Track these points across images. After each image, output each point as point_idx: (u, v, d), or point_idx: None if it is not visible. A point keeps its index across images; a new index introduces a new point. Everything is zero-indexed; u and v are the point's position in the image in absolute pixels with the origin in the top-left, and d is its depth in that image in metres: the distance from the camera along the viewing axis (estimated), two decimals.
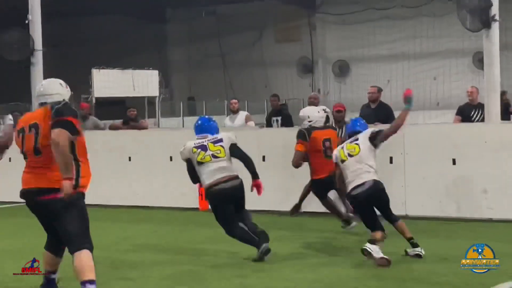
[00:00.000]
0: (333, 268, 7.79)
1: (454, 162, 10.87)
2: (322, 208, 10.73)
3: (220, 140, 8.58)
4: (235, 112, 14.31)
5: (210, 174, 8.42)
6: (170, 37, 32.70)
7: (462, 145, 10.91)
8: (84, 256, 5.87)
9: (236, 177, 8.53)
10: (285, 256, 8.54)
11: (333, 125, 10.78)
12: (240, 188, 8.50)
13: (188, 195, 12.52)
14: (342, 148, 8.38)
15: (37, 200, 5.97)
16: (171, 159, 12.53)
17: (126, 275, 7.68)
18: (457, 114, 12.58)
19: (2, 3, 23.11)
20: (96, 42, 29.67)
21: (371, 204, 8.19)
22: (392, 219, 8.27)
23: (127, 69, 21.47)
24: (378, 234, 7.93)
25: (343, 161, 8.30)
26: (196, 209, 12.13)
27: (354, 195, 8.15)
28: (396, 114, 12.24)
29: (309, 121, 9.83)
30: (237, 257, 8.56)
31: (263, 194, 11.58)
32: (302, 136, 9.76)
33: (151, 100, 22.93)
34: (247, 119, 14.08)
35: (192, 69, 31.76)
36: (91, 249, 5.94)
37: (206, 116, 9.39)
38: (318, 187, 9.95)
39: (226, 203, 8.43)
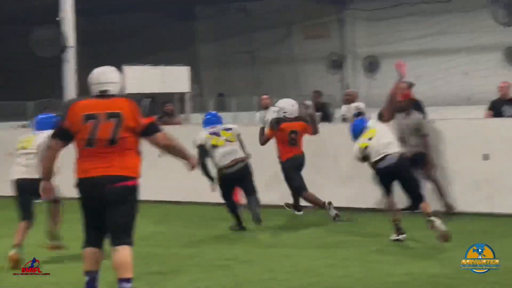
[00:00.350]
0: (364, 263, 7.78)
1: (485, 157, 10.81)
2: (358, 204, 10.78)
3: (230, 129, 10.31)
4: (266, 108, 14.31)
5: (222, 157, 10.01)
6: (200, 33, 32.82)
7: (494, 140, 10.84)
8: (126, 252, 5.88)
9: (243, 159, 10.13)
10: (315, 251, 8.57)
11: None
12: (245, 169, 10.13)
13: (218, 191, 12.58)
14: (358, 142, 9.07)
15: (109, 187, 5.85)
16: None
17: (157, 269, 7.74)
18: (489, 109, 12.49)
19: (34, 0, 23.35)
20: (127, 39, 29.88)
21: (394, 178, 8.85)
22: (418, 199, 8.84)
23: (158, 66, 21.57)
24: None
25: (366, 147, 8.97)
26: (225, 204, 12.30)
27: (378, 168, 8.85)
28: (428, 109, 12.25)
29: (284, 112, 10.95)
30: (266, 252, 8.60)
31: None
32: (271, 125, 10.94)
33: (181, 96, 22.99)
34: None
35: (221, 66, 31.87)
36: (132, 245, 5.96)
37: (213, 112, 11.32)
38: (286, 166, 10.86)
39: (231, 184, 10.18)
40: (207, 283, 7.05)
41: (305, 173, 11.40)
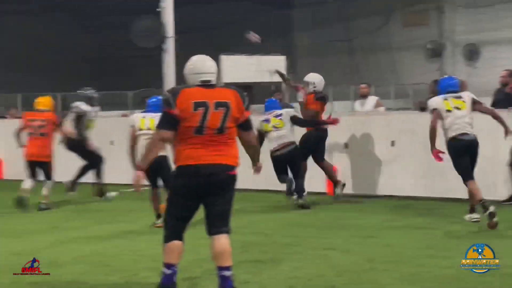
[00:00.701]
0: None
1: None
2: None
3: (280, 115, 11.43)
4: (364, 97, 14.16)
5: (272, 141, 11.32)
6: (297, 22, 32.80)
7: None
8: (226, 241, 5.89)
9: (292, 143, 11.36)
10: (414, 241, 8.46)
11: None
12: (293, 152, 11.34)
13: (316, 179, 12.59)
14: (446, 99, 9.50)
15: (217, 175, 5.88)
16: None
17: (256, 257, 7.75)
18: None
19: None
20: (223, 28, 30.10)
21: (468, 153, 9.36)
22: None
23: (255, 55, 21.69)
24: (472, 185, 9.30)
25: (448, 111, 9.42)
26: (323, 193, 12.31)
27: (459, 139, 9.34)
28: None
29: (314, 87, 11.79)
30: (366, 241, 8.54)
31: (392, 180, 11.61)
32: (326, 98, 11.99)
33: (277, 85, 23.04)
34: (377, 105, 13.90)
35: (318, 54, 31.76)
36: (230, 233, 5.98)
37: (272, 98, 12.51)
38: (320, 135, 11.73)
39: (281, 165, 11.33)
40: (307, 272, 7.03)
41: (407, 161, 11.28)
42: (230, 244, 5.93)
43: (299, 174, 11.36)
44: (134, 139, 9.83)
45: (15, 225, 10.38)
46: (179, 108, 5.84)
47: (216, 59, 20.52)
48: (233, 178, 5.99)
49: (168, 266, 5.96)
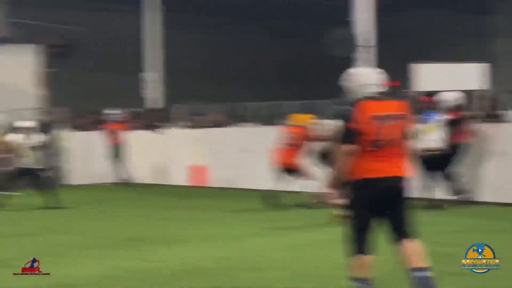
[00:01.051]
0: None
1: None
2: None
3: (433, 123, 12.39)
4: None
5: (423, 143, 11.83)
6: (497, 28, 31.76)
7: None
8: (417, 242, 5.99)
9: (440, 150, 12.30)
10: None
11: None
12: (439, 157, 12.29)
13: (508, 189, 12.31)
14: None
15: (400, 187, 6.01)
16: None
17: (451, 270, 7.61)
18: None
19: (325, 4, 24.03)
20: (415, 36, 29.73)
21: None
22: None
23: (449, 63, 21.30)
24: None
25: None
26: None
27: None
28: None
29: (447, 104, 13.03)
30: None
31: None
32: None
33: (473, 94, 22.48)
34: None
35: None
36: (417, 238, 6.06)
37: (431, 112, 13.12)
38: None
39: (426, 164, 12.09)
40: (504, 285, 6.87)
41: None
42: (421, 246, 5.97)
43: (445, 177, 12.53)
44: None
45: (221, 230, 10.81)
46: (358, 121, 5.92)
47: (406, 67, 20.43)
48: (407, 188, 6.08)
49: (360, 280, 6.04)
